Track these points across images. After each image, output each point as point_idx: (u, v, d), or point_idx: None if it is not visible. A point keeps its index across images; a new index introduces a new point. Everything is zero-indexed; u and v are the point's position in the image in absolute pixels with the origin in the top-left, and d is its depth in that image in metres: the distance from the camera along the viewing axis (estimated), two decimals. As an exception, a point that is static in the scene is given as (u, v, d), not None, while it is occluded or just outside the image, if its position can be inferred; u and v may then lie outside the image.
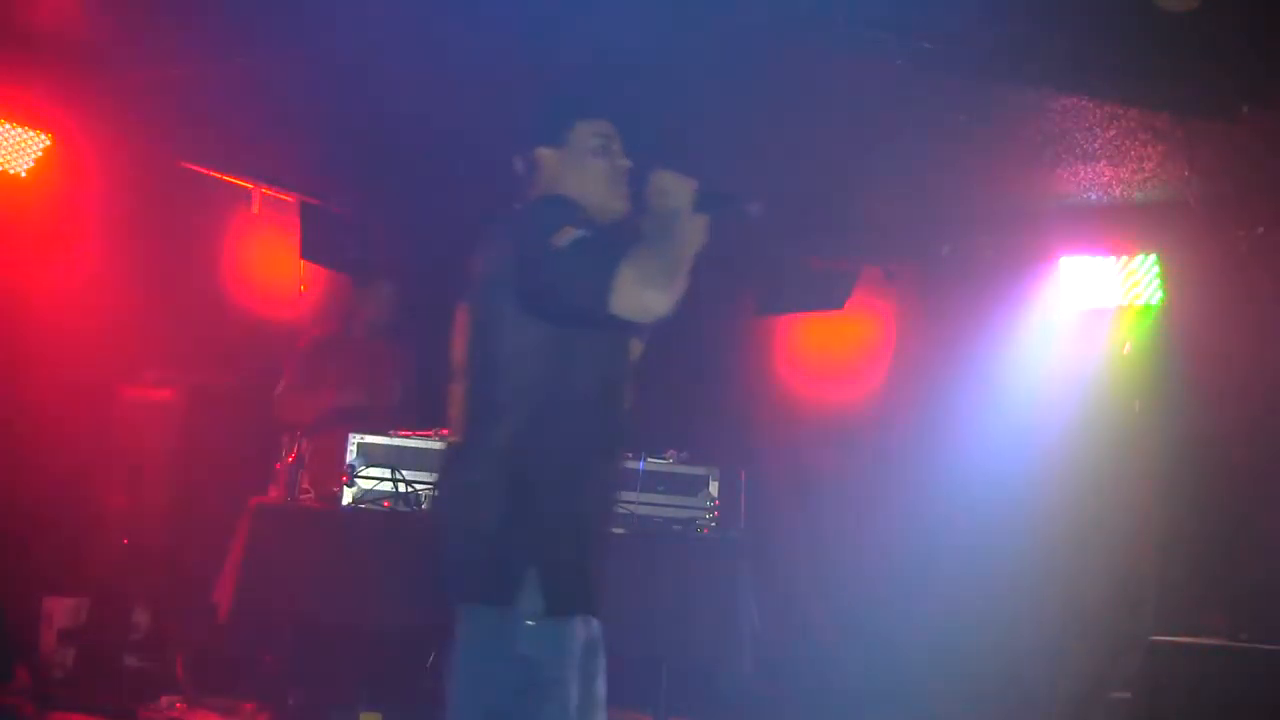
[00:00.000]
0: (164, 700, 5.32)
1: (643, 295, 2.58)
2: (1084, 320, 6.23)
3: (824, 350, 7.01)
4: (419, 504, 4.71)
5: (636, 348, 2.98)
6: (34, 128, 5.73)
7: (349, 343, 5.91)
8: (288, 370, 5.73)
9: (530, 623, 2.58)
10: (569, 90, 3.13)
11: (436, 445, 4.82)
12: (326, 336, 5.96)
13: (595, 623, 2.74)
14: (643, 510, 4.75)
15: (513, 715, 2.57)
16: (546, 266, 2.62)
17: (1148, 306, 6.08)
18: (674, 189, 2.70)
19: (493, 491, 2.65)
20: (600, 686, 2.75)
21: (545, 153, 2.88)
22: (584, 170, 2.86)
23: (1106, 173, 5.60)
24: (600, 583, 2.74)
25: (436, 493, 2.93)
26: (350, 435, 4.82)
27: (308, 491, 4.88)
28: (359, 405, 5.41)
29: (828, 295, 6.78)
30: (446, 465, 2.87)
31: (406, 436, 4.89)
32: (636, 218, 2.78)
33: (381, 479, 4.74)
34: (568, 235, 2.63)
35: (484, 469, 2.67)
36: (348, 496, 4.74)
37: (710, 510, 4.82)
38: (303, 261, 6.71)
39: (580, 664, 2.66)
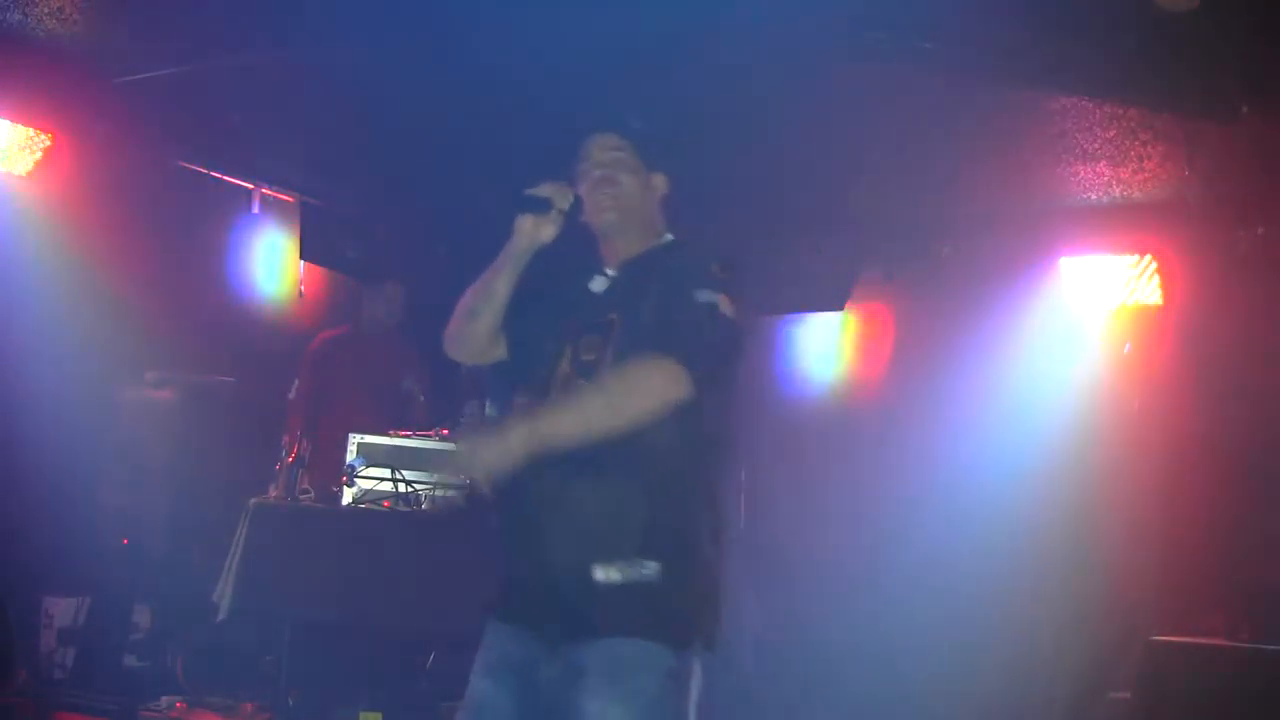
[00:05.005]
0: (164, 700, 5.32)
1: None
2: (1084, 320, 6.23)
3: (824, 351, 7.00)
4: (419, 504, 4.71)
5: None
6: (34, 128, 5.72)
7: (360, 342, 5.91)
8: (301, 374, 5.73)
9: None
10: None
11: (436, 445, 4.83)
12: (336, 336, 5.96)
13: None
14: (643, 510, 4.74)
15: None
16: None
17: (1148, 306, 6.07)
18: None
19: None
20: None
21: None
22: None
23: (1106, 173, 5.60)
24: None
25: None
26: (350, 435, 4.82)
27: (308, 491, 4.88)
28: (371, 417, 5.41)
29: (828, 295, 6.76)
30: None
31: (406, 436, 4.89)
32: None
33: (381, 479, 4.73)
34: None
35: None
36: (348, 496, 4.74)
37: (710, 510, 4.79)
38: (303, 261, 6.71)
39: None
